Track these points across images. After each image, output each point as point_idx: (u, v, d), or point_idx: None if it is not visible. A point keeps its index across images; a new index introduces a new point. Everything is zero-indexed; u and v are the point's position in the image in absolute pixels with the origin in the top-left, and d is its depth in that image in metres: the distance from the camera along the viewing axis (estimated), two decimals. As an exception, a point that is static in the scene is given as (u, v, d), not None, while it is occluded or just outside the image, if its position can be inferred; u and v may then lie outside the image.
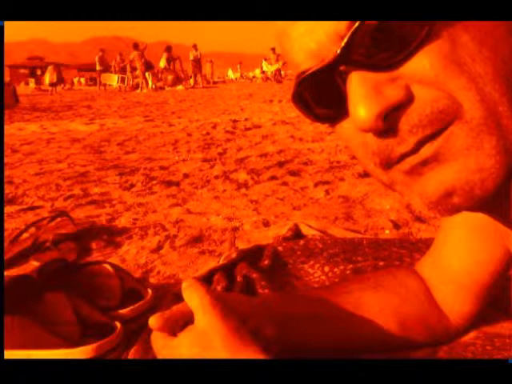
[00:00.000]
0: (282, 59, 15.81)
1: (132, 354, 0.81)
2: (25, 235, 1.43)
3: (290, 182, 2.27)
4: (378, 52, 0.37)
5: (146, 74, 15.45)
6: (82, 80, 28.72)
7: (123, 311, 0.93)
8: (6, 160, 3.13)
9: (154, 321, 0.61)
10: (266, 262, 1.15)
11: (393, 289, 0.75)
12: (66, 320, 0.88)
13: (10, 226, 1.66)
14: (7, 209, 1.93)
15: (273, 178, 2.37)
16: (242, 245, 1.40)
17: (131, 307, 0.94)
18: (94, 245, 1.48)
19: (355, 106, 0.38)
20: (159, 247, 1.47)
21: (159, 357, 0.62)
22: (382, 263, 1.09)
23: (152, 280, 1.24)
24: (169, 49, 16.69)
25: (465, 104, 0.36)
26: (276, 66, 19.01)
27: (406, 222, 1.57)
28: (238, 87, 15.54)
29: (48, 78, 15.81)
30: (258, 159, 2.93)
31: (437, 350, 0.75)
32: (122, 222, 1.73)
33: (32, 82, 25.43)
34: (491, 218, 0.52)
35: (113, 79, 17.77)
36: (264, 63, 20.80)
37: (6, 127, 5.22)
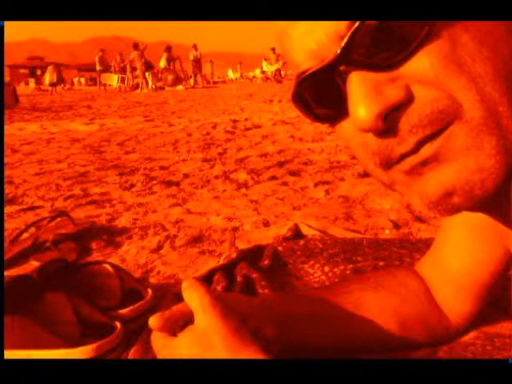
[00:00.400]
0: (282, 59, 15.81)
1: (132, 354, 0.81)
2: (25, 235, 1.43)
3: (290, 181, 2.27)
4: (378, 52, 0.37)
5: (146, 74, 15.45)
6: (82, 80, 28.73)
7: (123, 311, 0.93)
8: (6, 160, 3.13)
9: (153, 321, 0.61)
10: (266, 262, 1.15)
11: (393, 289, 0.75)
12: (66, 320, 0.88)
13: (10, 226, 1.66)
14: (7, 209, 1.93)
15: (273, 178, 2.37)
16: (242, 245, 1.40)
17: (131, 307, 0.94)
18: (94, 245, 1.48)
19: (355, 106, 0.38)
20: (159, 247, 1.47)
21: (159, 357, 0.62)
22: (382, 263, 1.09)
23: (152, 280, 1.24)
24: (169, 49, 16.69)
25: (465, 104, 0.36)
26: (276, 66, 19.01)
27: (406, 222, 1.57)
28: (238, 87, 15.54)
29: (48, 78, 15.82)
30: (258, 159, 2.93)
31: (437, 350, 0.75)
32: (122, 222, 1.73)
33: (32, 82, 25.43)
34: (491, 218, 0.52)
35: (113, 79, 17.77)
36: (264, 63, 20.80)
37: (6, 127, 5.22)
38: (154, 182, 2.39)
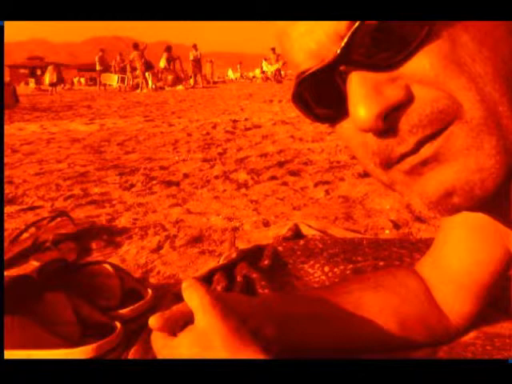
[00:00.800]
0: (282, 59, 15.81)
1: (132, 354, 0.81)
2: (25, 235, 1.43)
3: (290, 182, 2.27)
4: (378, 52, 0.37)
5: (146, 74, 15.45)
6: (82, 80, 28.73)
7: (123, 311, 0.93)
8: (6, 160, 3.13)
9: (153, 321, 0.61)
10: (266, 262, 1.15)
11: (393, 289, 0.75)
12: (66, 320, 0.88)
13: (10, 226, 1.66)
14: (7, 209, 1.93)
15: (273, 178, 2.37)
16: (242, 245, 1.40)
17: (131, 307, 0.94)
18: (94, 245, 1.48)
19: (355, 106, 0.38)
20: (159, 247, 1.47)
21: (159, 357, 0.61)
22: (382, 263, 1.09)
23: (152, 280, 1.24)
24: (169, 49, 16.69)
25: (465, 104, 0.36)
26: (276, 66, 19.00)
27: (406, 222, 1.57)
28: (238, 87, 15.54)
29: (48, 78, 15.82)
30: (258, 159, 2.93)
31: (437, 349, 0.75)
32: (122, 221, 1.73)
33: (32, 82, 25.44)
34: (491, 218, 0.52)
35: (113, 79, 17.77)
36: (264, 63, 20.79)
37: (6, 127, 5.22)
38: (154, 182, 2.39)
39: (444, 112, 0.37)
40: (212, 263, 1.26)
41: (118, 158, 3.22)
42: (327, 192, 2.02)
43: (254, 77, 24.78)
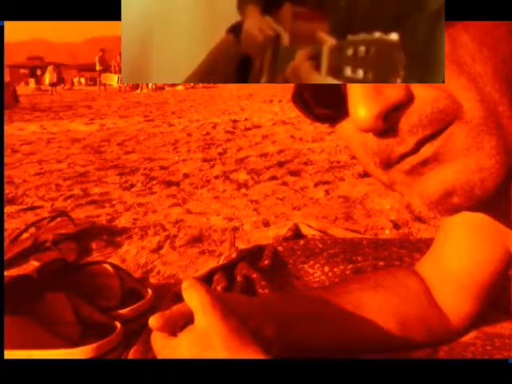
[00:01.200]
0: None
1: (132, 354, 0.81)
2: (25, 235, 1.43)
3: (290, 182, 2.27)
4: (378, 52, 0.37)
5: (146, 74, 15.43)
6: (82, 80, 28.76)
7: (123, 311, 0.93)
8: (6, 160, 3.13)
9: (154, 321, 0.61)
10: (266, 262, 1.15)
11: (393, 289, 0.75)
12: (66, 320, 0.88)
13: (10, 226, 1.66)
14: (7, 209, 1.93)
15: (273, 178, 2.37)
16: (242, 245, 1.40)
17: (131, 307, 0.94)
18: (94, 245, 1.48)
19: (355, 105, 0.38)
20: (159, 247, 1.47)
21: (159, 357, 0.61)
22: (382, 263, 1.09)
23: (152, 280, 1.24)
24: (169, 49, 16.67)
25: (465, 104, 0.36)
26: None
27: (406, 222, 1.57)
28: (238, 87, 15.53)
29: (48, 78, 15.86)
30: (258, 159, 2.93)
31: (437, 349, 0.75)
32: (122, 221, 1.73)
33: (32, 82, 25.46)
34: (491, 218, 0.52)
35: (113, 79, 17.78)
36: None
37: (6, 127, 5.22)
38: (154, 182, 2.38)
39: (444, 112, 0.37)
40: (212, 263, 1.26)
41: (118, 157, 3.22)
42: (327, 192, 2.02)
43: (254, 77, 24.76)
